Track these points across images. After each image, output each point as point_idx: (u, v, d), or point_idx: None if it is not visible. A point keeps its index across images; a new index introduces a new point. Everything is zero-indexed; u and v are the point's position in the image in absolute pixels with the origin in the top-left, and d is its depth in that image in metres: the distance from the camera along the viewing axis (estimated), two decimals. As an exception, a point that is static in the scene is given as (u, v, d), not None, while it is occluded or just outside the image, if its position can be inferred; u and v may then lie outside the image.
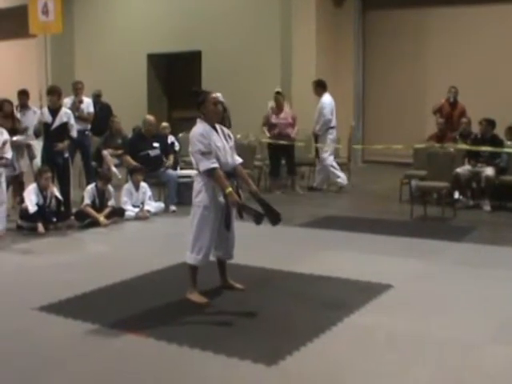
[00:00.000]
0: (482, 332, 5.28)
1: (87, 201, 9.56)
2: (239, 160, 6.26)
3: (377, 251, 7.96)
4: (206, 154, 5.84)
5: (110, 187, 9.94)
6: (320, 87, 12.97)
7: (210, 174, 5.87)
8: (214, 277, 6.42)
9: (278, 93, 15.09)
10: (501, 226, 9.66)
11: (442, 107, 12.95)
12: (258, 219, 5.80)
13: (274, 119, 12.98)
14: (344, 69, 17.41)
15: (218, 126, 6.11)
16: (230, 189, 5.82)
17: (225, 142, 6.06)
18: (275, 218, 5.91)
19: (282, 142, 12.67)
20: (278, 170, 12.99)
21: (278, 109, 13.01)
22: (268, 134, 13.08)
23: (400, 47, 16.78)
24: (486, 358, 4.79)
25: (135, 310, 5.86)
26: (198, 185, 5.99)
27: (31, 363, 4.71)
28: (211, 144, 5.88)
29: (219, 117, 6.22)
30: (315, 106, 13.92)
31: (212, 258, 6.22)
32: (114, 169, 11.86)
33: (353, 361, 4.74)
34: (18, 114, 11.02)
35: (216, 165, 5.85)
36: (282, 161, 13.00)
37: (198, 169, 5.98)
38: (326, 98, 12.92)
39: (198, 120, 6.05)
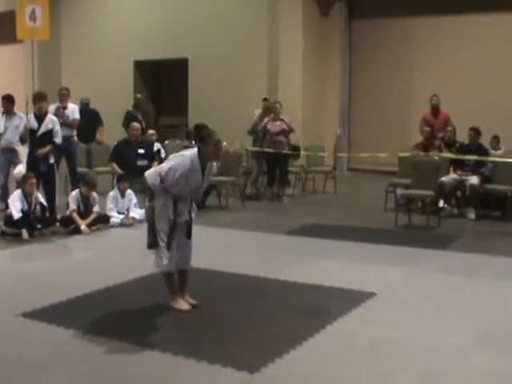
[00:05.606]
0: (466, 339, 5.30)
1: (73, 206, 9.53)
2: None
3: (361, 259, 7.99)
4: (162, 180, 5.76)
5: (94, 193, 9.93)
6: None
7: (147, 184, 5.88)
8: (193, 285, 6.42)
9: (265, 99, 15.16)
10: (485, 235, 9.72)
11: (425, 116, 12.98)
12: (187, 233, 6.01)
13: (269, 125, 12.95)
14: (330, 77, 17.48)
15: (208, 165, 5.96)
16: (151, 204, 5.92)
17: (204, 181, 5.99)
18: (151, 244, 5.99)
19: (274, 150, 12.67)
20: (274, 178, 12.99)
21: (275, 117, 12.97)
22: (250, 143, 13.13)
23: (386, 56, 16.87)
24: (470, 365, 4.81)
25: (119, 316, 5.86)
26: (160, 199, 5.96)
27: (13, 370, 4.69)
28: (178, 181, 5.77)
29: (217, 159, 6.09)
30: (302, 114, 13.98)
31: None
32: None
33: (336, 368, 4.75)
34: (2, 120, 11.02)
35: (156, 191, 5.85)
36: (276, 170, 12.98)
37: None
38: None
39: (195, 153, 5.84)
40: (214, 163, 6.15)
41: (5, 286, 6.88)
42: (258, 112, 15.22)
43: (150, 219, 5.92)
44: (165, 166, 5.89)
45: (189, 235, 6.06)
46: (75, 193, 9.77)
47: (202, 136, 5.88)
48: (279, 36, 16.69)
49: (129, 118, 13.86)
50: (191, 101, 17.83)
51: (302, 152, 13.75)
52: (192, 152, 5.88)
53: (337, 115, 17.47)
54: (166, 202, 5.87)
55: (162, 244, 5.90)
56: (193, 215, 6.10)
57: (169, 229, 5.89)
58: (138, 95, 15.41)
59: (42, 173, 9.74)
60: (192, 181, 5.85)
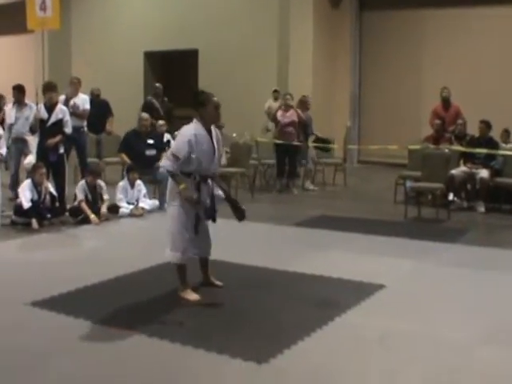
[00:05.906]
0: (475, 333, 5.29)
1: (81, 196, 9.54)
2: (219, 169, 6.31)
3: (370, 251, 7.98)
4: (176, 157, 5.80)
5: (101, 181, 9.94)
6: None
7: (167, 173, 5.93)
8: (202, 276, 6.42)
9: (275, 91, 15.15)
10: (495, 228, 9.69)
11: (436, 109, 12.94)
12: (207, 214, 5.98)
13: (279, 115, 12.96)
14: (340, 69, 17.45)
15: (213, 129, 6.08)
16: (184, 185, 5.82)
17: (215, 145, 6.02)
18: (241, 215, 6.06)
19: (285, 142, 12.66)
20: (283, 170, 12.97)
21: (286, 108, 12.98)
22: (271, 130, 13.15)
23: (396, 48, 16.82)
24: (479, 359, 4.79)
25: (128, 306, 5.87)
26: (172, 185, 6.01)
27: (21, 358, 4.70)
28: (190, 152, 5.80)
29: (218, 121, 6.18)
30: (312, 106, 13.91)
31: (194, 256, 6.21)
32: None
33: (344, 360, 4.75)
34: (13, 110, 11.05)
35: (176, 171, 5.84)
36: (286, 161, 12.96)
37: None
38: None
39: (195, 120, 5.99)
40: (219, 130, 6.19)
41: (14, 275, 6.90)
42: (269, 103, 15.22)
43: (193, 196, 5.86)
44: (173, 145, 6.04)
45: (210, 218, 6.09)
46: (81, 183, 9.77)
47: (200, 102, 5.96)
48: (289, 28, 16.65)
49: (147, 106, 14.05)
50: (201, 92, 17.80)
51: (311, 144, 13.67)
52: (193, 121, 5.98)
53: (347, 107, 17.45)
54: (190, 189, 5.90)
55: (184, 232, 5.94)
56: (222, 186, 6.16)
57: (194, 215, 5.94)
58: (157, 84, 15.55)
59: (52, 163, 9.76)
60: (205, 149, 5.88)
